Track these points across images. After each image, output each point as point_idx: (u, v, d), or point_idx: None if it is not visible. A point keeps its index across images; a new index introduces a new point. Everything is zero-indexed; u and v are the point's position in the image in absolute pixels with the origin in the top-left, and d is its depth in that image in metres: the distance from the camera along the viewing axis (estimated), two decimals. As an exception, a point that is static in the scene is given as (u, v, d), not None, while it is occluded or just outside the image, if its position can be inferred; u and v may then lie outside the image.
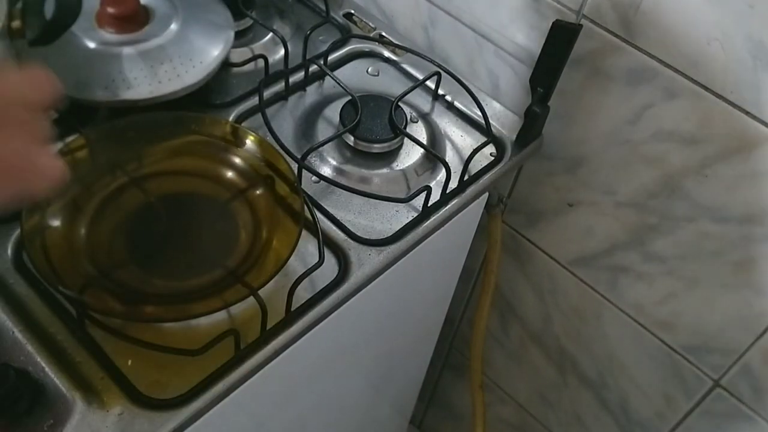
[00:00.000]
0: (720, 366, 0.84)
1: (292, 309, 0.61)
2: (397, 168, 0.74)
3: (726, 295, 0.79)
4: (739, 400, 0.84)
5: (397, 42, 0.88)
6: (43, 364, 0.56)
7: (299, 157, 0.70)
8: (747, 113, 0.67)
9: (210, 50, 0.74)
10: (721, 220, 0.75)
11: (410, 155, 0.75)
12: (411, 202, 0.71)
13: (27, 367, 0.55)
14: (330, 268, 0.66)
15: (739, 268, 0.76)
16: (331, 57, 0.84)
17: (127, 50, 0.71)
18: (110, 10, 0.71)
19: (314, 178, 0.72)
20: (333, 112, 0.78)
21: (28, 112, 0.46)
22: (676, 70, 0.70)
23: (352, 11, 0.92)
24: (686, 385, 0.89)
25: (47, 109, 0.47)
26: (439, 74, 0.81)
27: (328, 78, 0.82)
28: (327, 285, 0.64)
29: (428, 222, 0.71)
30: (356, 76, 0.84)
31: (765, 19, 0.62)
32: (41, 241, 0.59)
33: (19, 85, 0.46)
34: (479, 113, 0.79)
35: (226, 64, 0.77)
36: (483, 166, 0.77)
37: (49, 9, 0.62)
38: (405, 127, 0.75)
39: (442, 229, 0.73)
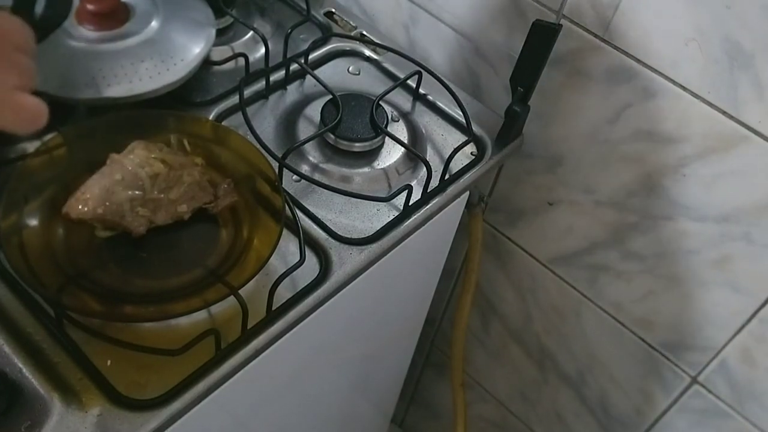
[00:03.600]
0: (697, 363, 0.85)
1: (273, 308, 0.61)
2: (378, 167, 0.74)
3: (704, 292, 0.79)
4: (716, 396, 0.85)
5: (378, 41, 0.88)
6: (21, 365, 0.55)
7: (280, 156, 0.70)
8: (724, 113, 0.68)
9: (191, 48, 0.73)
10: (698, 219, 0.75)
11: (391, 154, 0.75)
12: (392, 201, 0.71)
13: (4, 368, 0.55)
14: (311, 267, 0.66)
15: (716, 266, 0.77)
16: (312, 56, 0.84)
17: (107, 47, 0.70)
18: (90, 7, 0.71)
19: (295, 177, 0.71)
20: (314, 110, 0.77)
21: (15, 51, 0.48)
22: (655, 70, 0.71)
23: (333, 10, 0.91)
24: (664, 382, 0.90)
25: (28, 51, 0.49)
26: (420, 73, 0.81)
27: (308, 77, 0.81)
28: (308, 284, 0.64)
29: (409, 221, 0.71)
30: (337, 75, 0.84)
31: (742, 20, 0.63)
32: (18, 241, 0.59)
33: (5, 23, 0.48)
34: (460, 112, 0.80)
35: (206, 63, 0.77)
36: (464, 165, 0.77)
37: (39, 7, 0.61)
38: (386, 126, 0.75)
39: (423, 228, 0.73)
